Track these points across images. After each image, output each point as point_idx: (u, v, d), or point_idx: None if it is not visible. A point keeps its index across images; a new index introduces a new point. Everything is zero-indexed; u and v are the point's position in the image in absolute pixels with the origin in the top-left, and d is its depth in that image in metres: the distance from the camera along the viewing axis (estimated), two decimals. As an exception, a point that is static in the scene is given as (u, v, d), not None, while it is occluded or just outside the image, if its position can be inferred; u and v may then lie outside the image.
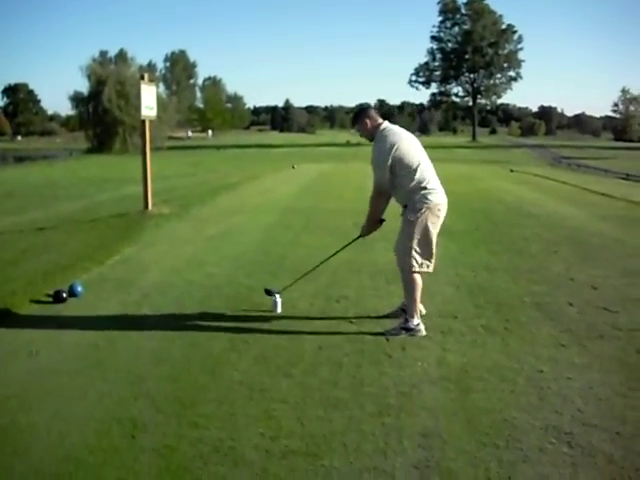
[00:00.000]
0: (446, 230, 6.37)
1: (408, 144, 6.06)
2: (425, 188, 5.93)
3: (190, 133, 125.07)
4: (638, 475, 3.68)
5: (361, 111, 6.36)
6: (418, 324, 6.03)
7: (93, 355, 5.57)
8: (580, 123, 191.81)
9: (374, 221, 6.35)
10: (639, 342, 5.89)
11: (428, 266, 6.08)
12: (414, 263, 6.00)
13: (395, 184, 6.05)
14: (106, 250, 9.88)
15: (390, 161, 5.92)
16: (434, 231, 6.01)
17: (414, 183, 5.94)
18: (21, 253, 9.99)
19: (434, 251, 6.08)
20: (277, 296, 6.80)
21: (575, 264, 9.08)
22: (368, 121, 6.19)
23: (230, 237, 11.41)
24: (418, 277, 6.05)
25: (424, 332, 6.01)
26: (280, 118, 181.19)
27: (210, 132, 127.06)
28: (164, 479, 3.63)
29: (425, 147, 6.24)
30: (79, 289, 7.37)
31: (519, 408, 4.53)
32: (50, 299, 7.13)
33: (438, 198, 5.99)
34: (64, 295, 7.14)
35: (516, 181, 25.48)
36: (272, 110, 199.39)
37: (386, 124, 6.18)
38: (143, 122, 14.19)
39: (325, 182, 22.90)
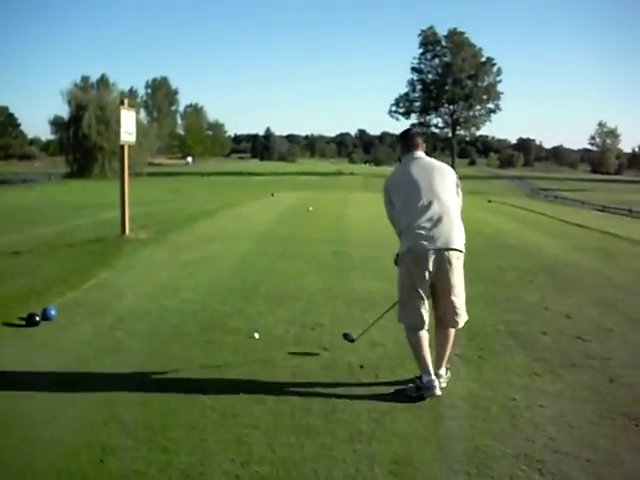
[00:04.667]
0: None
1: (408, 179, 5.30)
2: (407, 230, 5.20)
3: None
4: (608, 503, 3.69)
5: (406, 133, 5.73)
6: (430, 381, 5.16)
7: (64, 379, 5.52)
8: (558, 155, 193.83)
9: None
10: (611, 371, 5.92)
11: (415, 323, 5.28)
12: (400, 317, 5.43)
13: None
14: (81, 274, 9.82)
15: (387, 195, 5.43)
16: (419, 283, 5.20)
17: (401, 224, 5.29)
18: (-5, 276, 9.89)
19: (423, 310, 5.27)
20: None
21: (550, 294, 9.13)
22: (402, 146, 5.58)
23: (206, 263, 11.38)
24: (417, 333, 5.29)
25: (439, 392, 5.16)
26: (261, 146, 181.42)
27: (190, 159, 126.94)
28: (132, 505, 3.59)
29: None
30: (52, 313, 7.30)
31: (491, 435, 4.53)
32: (23, 322, 7.06)
33: (421, 242, 5.09)
34: (37, 318, 7.07)
35: (494, 212, 25.68)
36: (253, 138, 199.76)
37: (408, 156, 5.47)
38: (122, 147, 14.19)
39: (303, 211, 22.93)
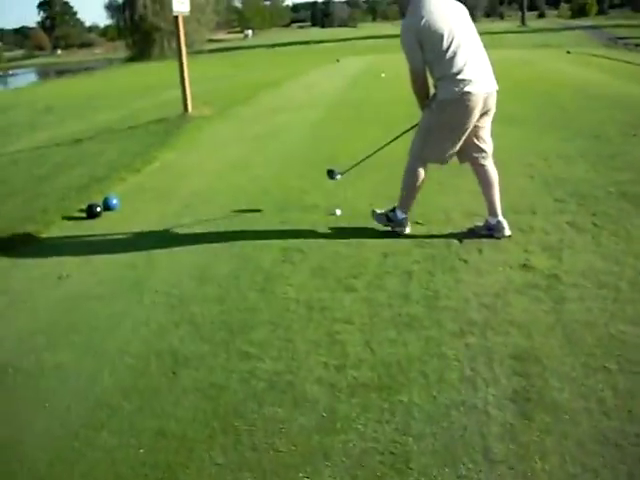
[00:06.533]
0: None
1: (440, 18, 4.76)
2: (454, 75, 4.74)
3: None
4: None
5: None
6: (403, 219, 5.40)
7: (129, 276, 4.99)
8: (634, 0, 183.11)
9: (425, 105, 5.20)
10: None
11: (438, 160, 5.20)
12: (421, 151, 5.15)
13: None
14: (144, 157, 9.32)
15: (416, 39, 4.80)
16: (459, 130, 4.91)
17: (442, 69, 4.81)
18: (55, 167, 9.45)
19: (451, 151, 5.07)
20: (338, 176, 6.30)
21: (659, 147, 8.14)
22: None
23: (276, 136, 10.69)
24: (421, 171, 5.19)
25: (407, 230, 5.42)
26: (320, 13, 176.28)
27: (250, 32, 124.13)
28: (212, 426, 3.03)
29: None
30: (114, 202, 6.80)
31: (626, 320, 3.78)
32: (83, 214, 6.58)
33: (473, 88, 4.75)
34: (98, 209, 6.59)
35: (575, 63, 23.97)
36: (312, 6, 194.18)
37: None
38: (176, 18, 13.24)
39: (372, 74, 21.78)
